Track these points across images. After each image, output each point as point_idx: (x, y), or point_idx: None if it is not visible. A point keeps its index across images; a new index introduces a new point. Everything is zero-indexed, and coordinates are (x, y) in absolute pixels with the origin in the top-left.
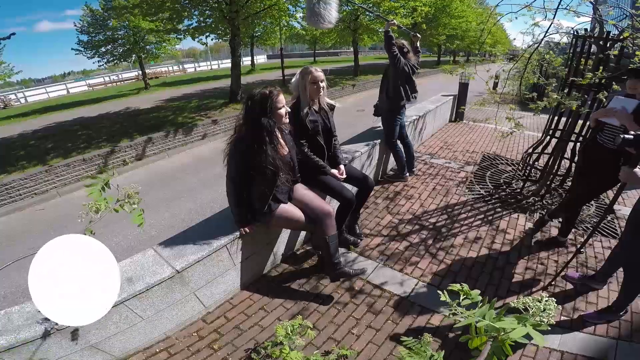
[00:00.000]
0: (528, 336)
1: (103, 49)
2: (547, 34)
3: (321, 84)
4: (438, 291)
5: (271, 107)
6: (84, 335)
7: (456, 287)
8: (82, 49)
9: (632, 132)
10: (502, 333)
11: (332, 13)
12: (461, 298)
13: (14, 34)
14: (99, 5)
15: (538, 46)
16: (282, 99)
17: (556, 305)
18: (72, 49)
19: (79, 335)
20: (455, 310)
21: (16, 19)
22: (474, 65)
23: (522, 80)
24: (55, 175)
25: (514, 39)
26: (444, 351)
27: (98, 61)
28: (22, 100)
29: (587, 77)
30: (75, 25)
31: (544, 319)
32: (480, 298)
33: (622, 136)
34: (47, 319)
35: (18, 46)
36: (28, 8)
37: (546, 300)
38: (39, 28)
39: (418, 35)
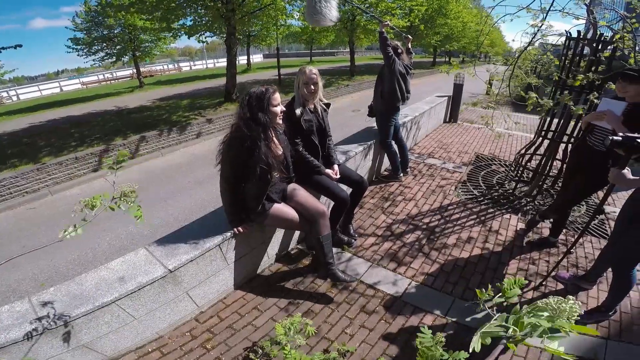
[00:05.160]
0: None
1: (97, 47)
2: (542, 36)
3: (312, 87)
4: (477, 289)
5: (267, 104)
6: (75, 334)
7: (511, 280)
8: (76, 47)
9: (621, 134)
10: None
11: (332, 11)
12: (496, 297)
13: (20, 45)
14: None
15: (527, 47)
16: (277, 97)
17: (580, 306)
18: (65, 45)
19: (71, 335)
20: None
21: (9, 16)
22: (473, 67)
23: (513, 81)
24: (47, 174)
25: (512, 40)
26: (461, 352)
27: (90, 58)
28: (14, 98)
29: (578, 78)
30: (72, 22)
31: (571, 319)
32: (517, 298)
33: (610, 138)
34: (38, 319)
35: (10, 44)
36: (22, 4)
37: (572, 303)
38: (32, 25)
39: (410, 36)
